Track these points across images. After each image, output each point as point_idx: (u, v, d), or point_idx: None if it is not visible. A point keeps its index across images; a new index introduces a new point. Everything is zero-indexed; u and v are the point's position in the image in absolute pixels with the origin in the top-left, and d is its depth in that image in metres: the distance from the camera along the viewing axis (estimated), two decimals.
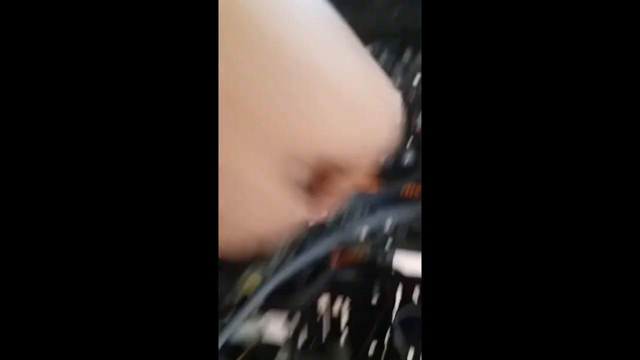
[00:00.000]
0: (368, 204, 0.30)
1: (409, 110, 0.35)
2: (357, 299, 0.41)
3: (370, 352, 0.40)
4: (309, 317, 0.41)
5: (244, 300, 0.30)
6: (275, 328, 0.40)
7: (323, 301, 0.42)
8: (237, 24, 0.14)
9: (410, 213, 0.31)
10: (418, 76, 0.34)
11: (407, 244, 0.38)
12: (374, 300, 0.42)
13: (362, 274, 0.41)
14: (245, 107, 0.15)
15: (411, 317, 0.40)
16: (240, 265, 0.31)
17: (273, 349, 0.39)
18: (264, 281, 0.29)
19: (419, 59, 0.35)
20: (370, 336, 0.40)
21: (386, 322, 0.40)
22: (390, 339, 0.39)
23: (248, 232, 0.18)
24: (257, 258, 0.32)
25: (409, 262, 0.47)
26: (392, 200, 0.30)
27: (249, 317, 0.35)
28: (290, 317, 0.40)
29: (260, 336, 0.39)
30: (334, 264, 0.40)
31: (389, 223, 0.38)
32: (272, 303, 0.38)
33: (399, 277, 0.42)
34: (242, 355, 0.38)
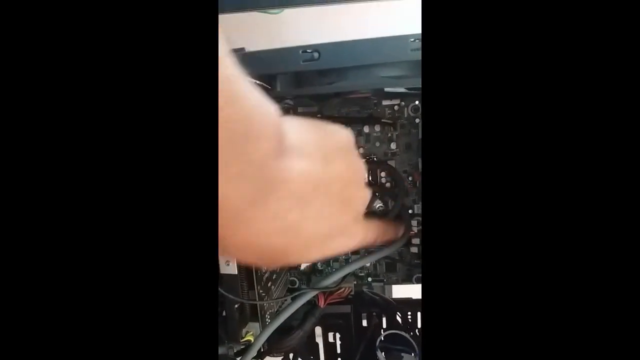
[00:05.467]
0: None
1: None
2: (347, 328, 0.46)
3: None
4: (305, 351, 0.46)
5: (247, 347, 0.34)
6: None
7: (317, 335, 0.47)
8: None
9: (388, 250, 0.37)
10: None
11: (387, 276, 0.43)
12: (364, 323, 0.47)
13: (350, 306, 0.47)
14: None
15: (393, 336, 0.47)
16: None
17: None
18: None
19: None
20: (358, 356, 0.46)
21: (373, 342, 0.46)
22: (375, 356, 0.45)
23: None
24: None
25: (390, 291, 0.53)
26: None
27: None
28: (287, 355, 0.45)
29: None
30: (321, 304, 0.46)
31: (369, 261, 0.44)
32: (271, 345, 0.43)
33: (384, 304, 0.49)
34: None
